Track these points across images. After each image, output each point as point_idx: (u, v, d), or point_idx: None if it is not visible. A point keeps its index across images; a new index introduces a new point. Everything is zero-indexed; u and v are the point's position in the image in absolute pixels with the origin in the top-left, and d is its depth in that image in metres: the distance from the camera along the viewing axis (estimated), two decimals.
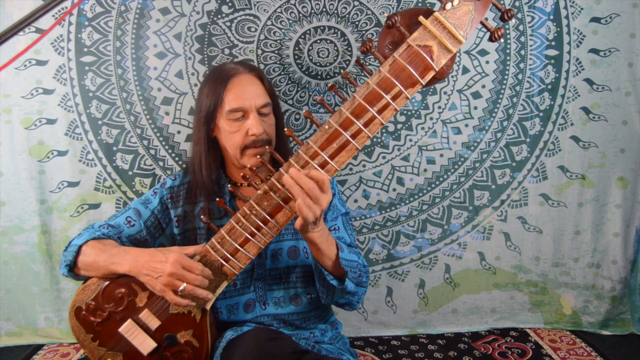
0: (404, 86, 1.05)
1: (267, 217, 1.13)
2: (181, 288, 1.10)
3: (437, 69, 1.05)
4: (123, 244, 1.28)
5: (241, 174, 1.15)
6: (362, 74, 1.78)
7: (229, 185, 1.23)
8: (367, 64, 1.79)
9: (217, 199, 1.16)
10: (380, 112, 1.06)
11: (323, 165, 1.09)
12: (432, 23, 1.03)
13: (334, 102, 1.78)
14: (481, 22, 1.06)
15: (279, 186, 1.11)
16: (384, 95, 1.05)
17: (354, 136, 1.07)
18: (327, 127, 1.09)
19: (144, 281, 1.16)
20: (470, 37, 1.79)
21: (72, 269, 1.23)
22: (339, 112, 1.08)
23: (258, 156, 1.23)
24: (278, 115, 1.38)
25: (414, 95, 1.07)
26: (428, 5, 1.79)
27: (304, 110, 1.13)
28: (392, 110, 1.06)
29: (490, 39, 1.06)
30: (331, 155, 1.09)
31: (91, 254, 1.19)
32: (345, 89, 1.80)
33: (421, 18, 1.04)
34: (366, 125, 1.07)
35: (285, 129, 1.14)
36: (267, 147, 1.26)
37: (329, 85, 1.11)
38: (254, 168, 1.15)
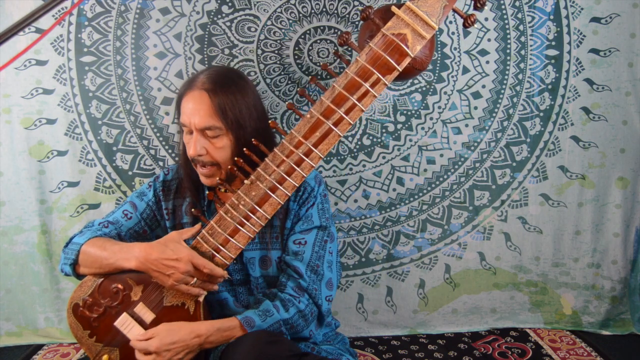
0: (382, 73, 1.09)
1: (256, 207, 1.16)
2: (192, 283, 1.17)
3: (412, 55, 1.09)
4: (122, 240, 1.30)
5: (217, 179, 1.20)
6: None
7: (207, 192, 1.25)
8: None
9: (193, 209, 1.25)
10: (360, 99, 1.10)
11: (307, 154, 1.13)
12: (405, 12, 1.07)
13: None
14: (453, 9, 1.10)
15: (266, 176, 1.14)
16: (363, 83, 1.09)
17: (335, 124, 1.11)
18: (309, 116, 1.12)
19: (153, 276, 1.18)
20: (469, 36, 1.80)
21: (74, 267, 1.25)
22: (320, 101, 1.12)
23: (218, 179, 1.22)
24: (239, 135, 1.24)
25: (392, 82, 1.11)
26: None
27: (287, 103, 1.17)
28: (371, 97, 1.10)
29: (464, 25, 1.10)
30: (315, 143, 1.12)
31: (92, 252, 1.22)
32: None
33: (394, 8, 1.08)
34: (347, 112, 1.11)
35: (270, 121, 1.18)
36: (212, 168, 1.25)
37: (310, 77, 1.15)
38: (235, 169, 1.17)
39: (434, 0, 1.07)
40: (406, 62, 1.09)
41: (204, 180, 1.28)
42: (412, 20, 1.07)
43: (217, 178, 1.23)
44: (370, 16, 1.07)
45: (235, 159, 1.17)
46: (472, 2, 1.09)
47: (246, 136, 1.24)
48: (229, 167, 1.19)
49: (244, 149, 1.16)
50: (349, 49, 1.78)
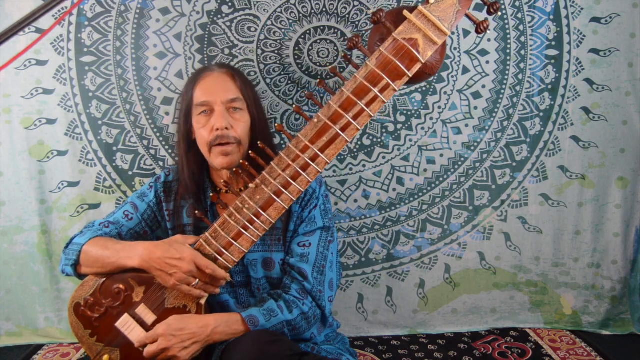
0: (391, 79, 1.07)
1: (260, 211, 1.15)
2: (194, 283, 1.17)
3: (423, 61, 1.07)
4: (123, 239, 1.30)
5: (222, 180, 1.18)
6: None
7: (211, 194, 1.26)
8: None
9: (196, 211, 1.23)
10: (368, 104, 1.09)
11: (314, 159, 1.11)
12: (417, 16, 1.06)
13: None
14: (466, 15, 1.08)
15: (271, 180, 1.14)
16: (372, 88, 1.08)
17: (343, 129, 1.10)
18: (316, 120, 1.11)
19: (155, 275, 1.18)
20: (469, 36, 1.80)
21: (76, 268, 1.25)
22: (328, 106, 1.10)
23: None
24: (254, 116, 1.34)
25: (401, 87, 1.10)
26: None
27: (293, 106, 1.16)
28: (380, 103, 1.09)
29: (477, 31, 1.08)
30: (321, 148, 1.11)
31: (94, 251, 1.22)
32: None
33: (406, 12, 1.06)
34: (355, 117, 1.09)
35: (276, 124, 1.17)
36: (233, 146, 1.26)
37: (318, 80, 1.14)
38: (240, 171, 1.16)
39: (447, 5, 1.05)
40: (417, 67, 1.07)
41: (221, 160, 1.27)
42: (424, 25, 1.05)
43: (236, 157, 1.27)
44: (381, 20, 1.06)
45: (241, 161, 1.17)
46: (485, 7, 1.08)
47: (260, 122, 1.33)
48: (241, 160, 1.19)
49: (250, 151, 1.18)
50: (349, 50, 1.77)
